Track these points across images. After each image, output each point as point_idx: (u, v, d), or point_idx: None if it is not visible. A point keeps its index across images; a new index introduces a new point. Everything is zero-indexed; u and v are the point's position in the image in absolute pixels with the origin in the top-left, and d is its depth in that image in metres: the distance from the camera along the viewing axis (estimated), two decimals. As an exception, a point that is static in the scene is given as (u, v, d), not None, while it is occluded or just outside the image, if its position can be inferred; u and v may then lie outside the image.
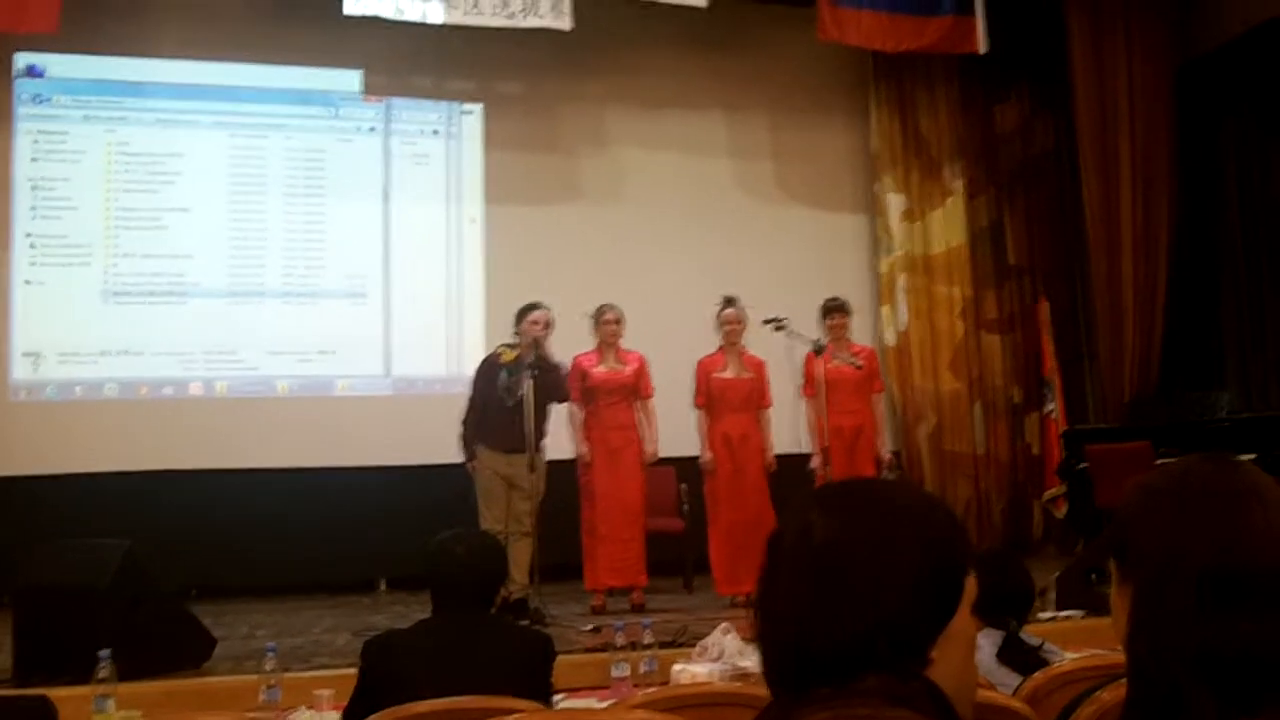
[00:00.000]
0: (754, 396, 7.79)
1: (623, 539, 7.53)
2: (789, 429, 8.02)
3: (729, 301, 7.81)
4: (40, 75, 9.03)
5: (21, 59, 8.96)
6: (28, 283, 8.88)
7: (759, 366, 7.84)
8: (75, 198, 9.01)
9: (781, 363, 7.87)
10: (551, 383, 7.32)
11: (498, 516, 7.18)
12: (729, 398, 7.75)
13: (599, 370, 7.67)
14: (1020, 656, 3.52)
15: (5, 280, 8.82)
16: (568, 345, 7.70)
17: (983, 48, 9.08)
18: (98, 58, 9.09)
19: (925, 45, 9.14)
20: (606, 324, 7.69)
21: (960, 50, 9.22)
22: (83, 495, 8.38)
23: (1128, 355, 9.95)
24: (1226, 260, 9.97)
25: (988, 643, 3.52)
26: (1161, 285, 9.99)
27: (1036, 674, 3.05)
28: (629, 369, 7.70)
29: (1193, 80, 10.02)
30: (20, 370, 8.82)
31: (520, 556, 6.93)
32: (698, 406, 7.80)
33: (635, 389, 7.71)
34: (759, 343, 7.87)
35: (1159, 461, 7.58)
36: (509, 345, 7.44)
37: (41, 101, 9.03)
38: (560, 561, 7.66)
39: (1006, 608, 3.64)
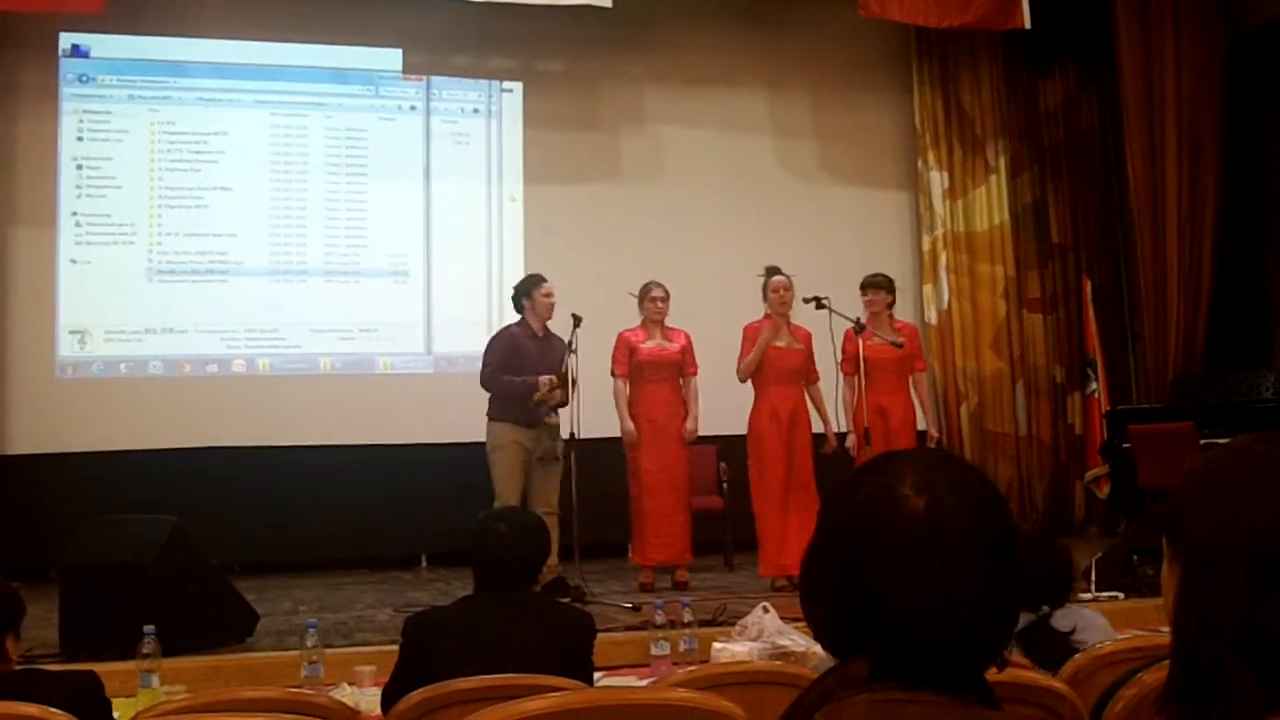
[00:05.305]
0: (803, 370, 7.55)
1: (668, 514, 7.42)
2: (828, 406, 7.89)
3: (772, 271, 7.55)
4: (85, 55, 9.10)
5: (67, 39, 9.02)
6: (73, 261, 8.96)
7: (808, 339, 7.56)
8: (120, 177, 9.09)
9: (825, 343, 7.66)
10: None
11: (516, 494, 7.03)
12: (780, 368, 7.47)
13: (647, 346, 7.55)
14: (1042, 646, 3.35)
15: (51, 259, 8.90)
16: (609, 322, 7.68)
17: (1027, 23, 8.97)
18: (142, 38, 9.15)
19: (969, 21, 9.01)
20: (653, 301, 7.56)
21: (1004, 26, 9.09)
22: (128, 472, 8.48)
23: (1172, 334, 9.85)
24: (1273, 239, 9.85)
25: None
26: (1207, 264, 9.88)
27: (1078, 655, 3.01)
28: (676, 345, 7.58)
29: (1242, 57, 9.88)
30: (67, 348, 8.91)
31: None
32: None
33: (681, 366, 7.59)
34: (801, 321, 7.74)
35: (1203, 442, 7.52)
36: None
37: (86, 81, 9.10)
38: (601, 540, 7.65)
39: (1041, 592, 3.57)
